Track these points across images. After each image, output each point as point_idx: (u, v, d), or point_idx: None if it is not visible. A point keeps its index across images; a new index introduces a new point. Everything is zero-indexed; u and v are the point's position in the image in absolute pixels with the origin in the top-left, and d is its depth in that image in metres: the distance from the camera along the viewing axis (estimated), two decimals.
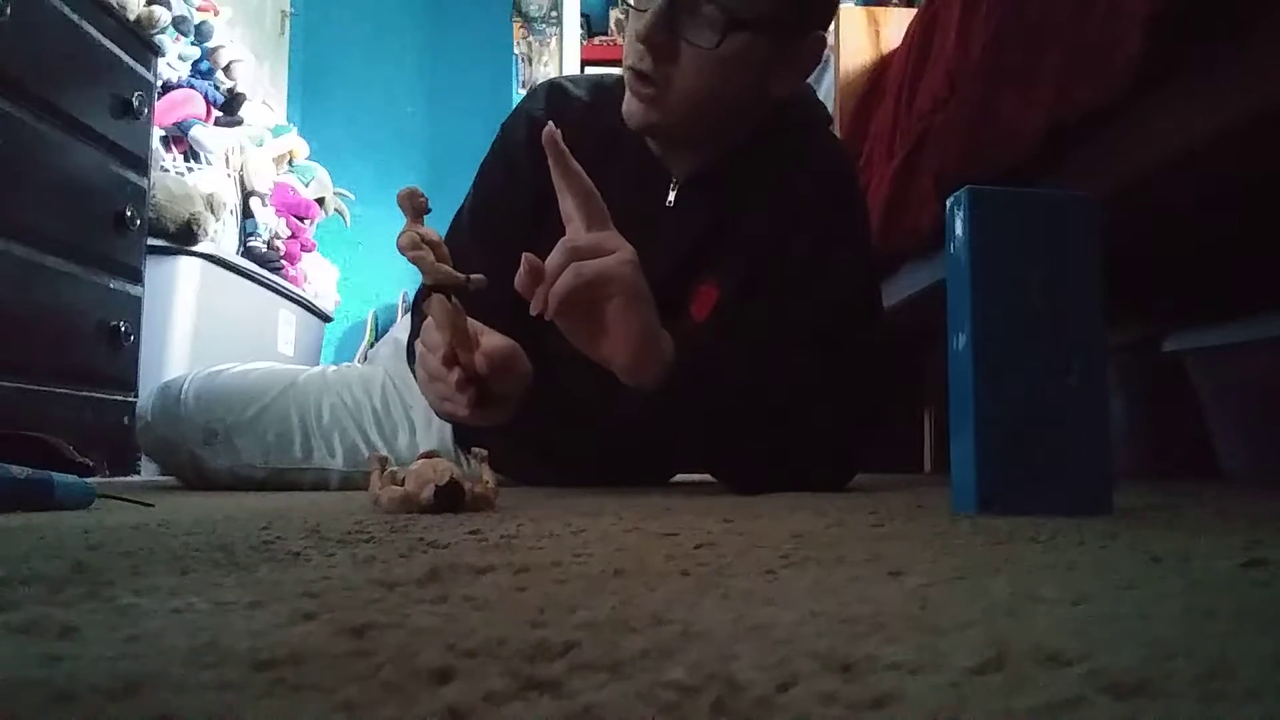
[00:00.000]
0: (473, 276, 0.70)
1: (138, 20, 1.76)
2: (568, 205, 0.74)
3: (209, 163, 2.16)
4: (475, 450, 0.81)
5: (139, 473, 1.61)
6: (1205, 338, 1.41)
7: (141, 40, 1.67)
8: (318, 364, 1.91)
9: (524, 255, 0.70)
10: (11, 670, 0.19)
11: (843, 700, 0.17)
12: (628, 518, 0.58)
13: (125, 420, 1.54)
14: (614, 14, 3.45)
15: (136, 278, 1.64)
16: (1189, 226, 1.15)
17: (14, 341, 1.31)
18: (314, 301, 2.70)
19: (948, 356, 0.62)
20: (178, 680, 0.18)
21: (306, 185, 2.61)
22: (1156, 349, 1.50)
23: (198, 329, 1.99)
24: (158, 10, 1.85)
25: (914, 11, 1.75)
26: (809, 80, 1.03)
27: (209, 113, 2.22)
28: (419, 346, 0.82)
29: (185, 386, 1.16)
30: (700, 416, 0.83)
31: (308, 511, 0.67)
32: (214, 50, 2.24)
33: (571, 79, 1.06)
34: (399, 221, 0.69)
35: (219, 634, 0.22)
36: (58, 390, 1.41)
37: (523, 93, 3.16)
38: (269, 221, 2.38)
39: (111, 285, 1.56)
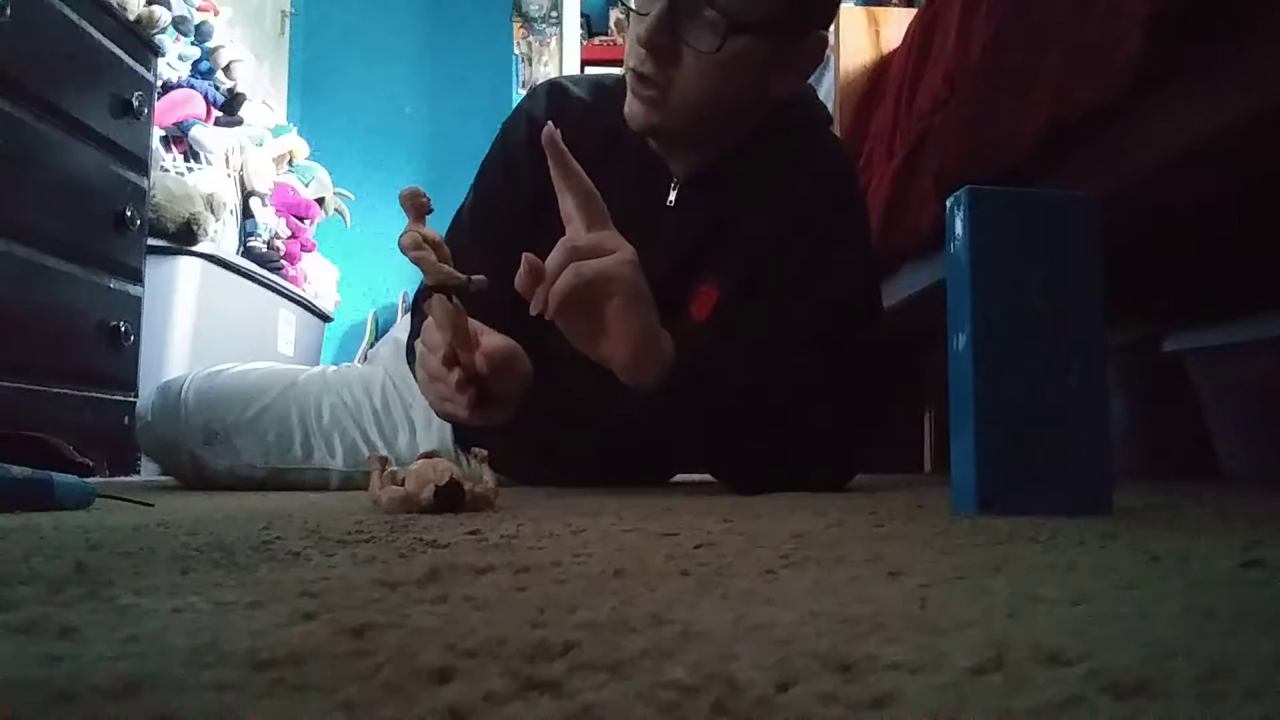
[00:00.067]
0: (474, 277, 0.70)
1: (138, 20, 1.76)
2: (568, 205, 0.74)
3: (209, 163, 2.16)
4: (475, 450, 0.81)
5: (139, 473, 1.61)
6: (1205, 338, 1.41)
7: (141, 40, 1.67)
8: (318, 364, 1.91)
9: (524, 255, 0.70)
10: (11, 670, 0.19)
11: (843, 700, 0.17)
12: (628, 518, 0.58)
13: (125, 420, 1.54)
14: (614, 14, 3.45)
15: (136, 278, 1.64)
16: (1189, 226, 1.15)
17: (14, 341, 1.31)
18: (314, 301, 2.70)
19: (948, 356, 0.62)
20: (178, 680, 0.18)
21: (306, 185, 2.61)
22: (1156, 349, 1.50)
23: (198, 329, 1.99)
24: (158, 10, 1.85)
25: (914, 11, 1.75)
26: (809, 80, 1.03)
27: (209, 113, 2.22)
28: (419, 346, 0.82)
29: (185, 386, 1.16)
30: (700, 416, 0.83)
31: (308, 511, 0.67)
32: (214, 50, 2.24)
33: (572, 79, 1.06)
34: (399, 222, 0.70)
35: (219, 634, 0.22)
36: (58, 390, 1.41)
37: (523, 93, 3.16)
38: (269, 221, 2.38)
39: (111, 285, 1.56)
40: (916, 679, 0.18)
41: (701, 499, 0.81)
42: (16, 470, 0.64)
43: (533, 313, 0.72)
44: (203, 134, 2.14)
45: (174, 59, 2.11)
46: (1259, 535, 0.45)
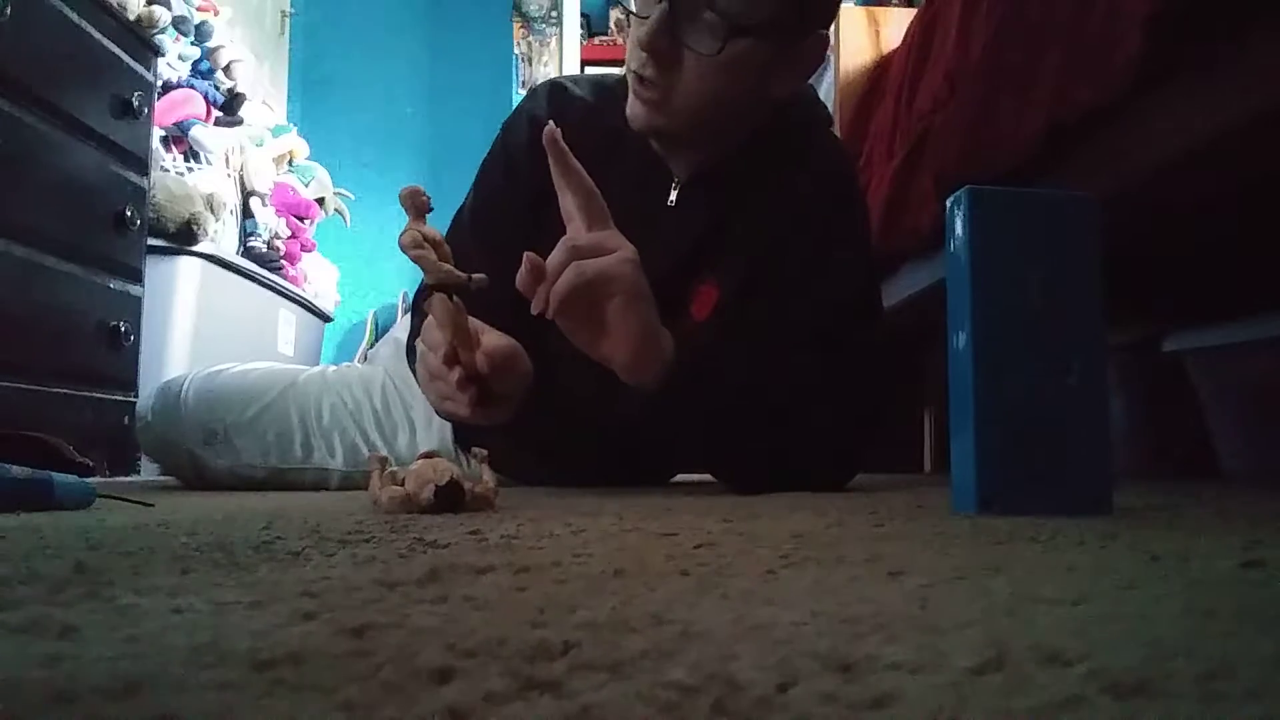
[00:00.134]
0: (474, 275, 0.70)
1: (138, 20, 1.76)
2: (568, 204, 0.74)
3: (209, 163, 2.16)
4: (475, 450, 0.81)
5: (139, 473, 1.61)
6: (1205, 338, 1.41)
7: (141, 40, 1.67)
8: (318, 364, 1.91)
9: (525, 254, 0.70)
10: (11, 670, 0.19)
11: (843, 700, 0.17)
12: (628, 518, 0.58)
13: (125, 420, 1.54)
14: (614, 14, 3.45)
15: (136, 278, 1.64)
16: (1189, 226, 1.15)
17: (14, 341, 1.31)
18: (314, 301, 2.70)
19: (948, 356, 0.62)
20: (178, 680, 0.18)
21: (306, 185, 2.61)
22: (1156, 349, 1.50)
23: (198, 329, 1.99)
24: (158, 10, 1.85)
25: (914, 11, 1.75)
26: (809, 80, 1.03)
27: (209, 113, 2.22)
28: (420, 345, 0.82)
29: (185, 386, 1.16)
30: (700, 416, 0.83)
31: (308, 511, 0.67)
32: (214, 50, 2.24)
33: (572, 79, 1.06)
34: (399, 221, 0.70)
35: (219, 634, 0.22)
36: (58, 390, 1.41)
37: (523, 93, 3.16)
38: (269, 221, 2.38)
39: (111, 285, 1.56)
40: (916, 679, 0.18)
41: (701, 499, 0.81)
42: (16, 470, 0.64)
43: (534, 312, 0.72)
44: (203, 134, 2.14)
45: (174, 59, 2.11)
46: (1259, 535, 0.45)
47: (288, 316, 2.54)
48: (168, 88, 2.08)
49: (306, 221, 2.59)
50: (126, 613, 0.25)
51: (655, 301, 0.76)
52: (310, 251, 2.68)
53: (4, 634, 0.22)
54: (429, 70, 3.41)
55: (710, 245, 0.96)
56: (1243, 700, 0.17)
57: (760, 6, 0.83)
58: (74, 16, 1.45)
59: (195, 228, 1.95)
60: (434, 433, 1.16)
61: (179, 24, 2.09)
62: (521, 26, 3.43)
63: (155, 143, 1.87)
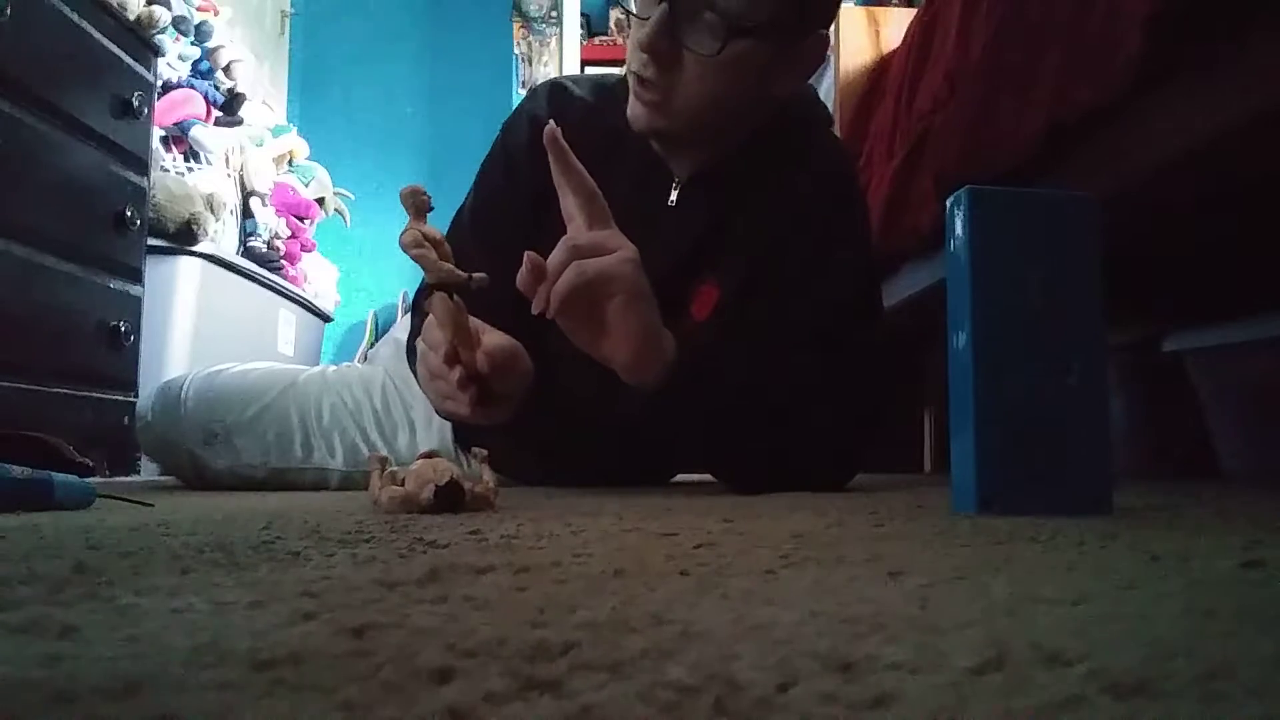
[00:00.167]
0: (475, 275, 0.70)
1: (138, 20, 1.76)
2: (569, 204, 0.74)
3: (209, 163, 2.16)
4: (475, 450, 0.81)
5: (139, 473, 1.61)
6: (1205, 338, 1.41)
7: (141, 40, 1.67)
8: (318, 364, 1.91)
9: (526, 254, 0.70)
10: (11, 670, 0.19)
11: (843, 700, 0.17)
12: (628, 518, 0.58)
13: (125, 420, 1.54)
14: (614, 14, 3.45)
15: (136, 278, 1.64)
16: (1189, 226, 1.15)
17: (14, 341, 1.31)
18: (314, 301, 2.70)
19: (948, 356, 0.62)
20: (178, 680, 0.18)
21: (306, 185, 2.61)
22: (1156, 349, 1.50)
23: (198, 329, 1.99)
24: (158, 10, 1.85)
25: (914, 11, 1.75)
26: (809, 80, 1.03)
27: (209, 113, 2.22)
28: (420, 345, 0.81)
29: (185, 386, 1.16)
30: (700, 416, 0.83)
31: (308, 511, 0.67)
32: (214, 50, 2.24)
33: (573, 79, 1.06)
34: (399, 222, 0.70)
35: (219, 634, 0.22)
36: (58, 390, 1.41)
37: (523, 93, 3.16)
38: (269, 221, 2.39)
39: (111, 285, 1.56)
40: (916, 679, 0.18)
41: (701, 499, 0.81)
42: (16, 470, 0.64)
43: (534, 311, 0.72)
44: (203, 134, 2.14)
45: (174, 59, 2.11)
46: (1259, 535, 0.45)
47: (288, 316, 2.54)
48: (168, 88, 2.08)
49: (306, 221, 2.59)
50: (126, 613, 0.25)
51: (656, 301, 0.76)
52: (310, 251, 2.68)
53: (4, 634, 0.22)
54: (429, 70, 3.41)
55: (710, 245, 0.96)
56: (1243, 700, 0.17)
57: (760, 7, 0.83)
58: (74, 16, 1.45)
59: (195, 228, 1.95)
60: (434, 433, 1.16)
61: (179, 24, 2.09)
62: (521, 26, 3.43)
63: (155, 143, 1.87)
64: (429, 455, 0.70)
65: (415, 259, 0.69)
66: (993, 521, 0.53)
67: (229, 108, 2.30)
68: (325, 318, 2.87)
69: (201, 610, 0.26)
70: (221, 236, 2.13)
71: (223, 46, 2.26)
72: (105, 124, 1.53)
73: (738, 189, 0.96)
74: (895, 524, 0.52)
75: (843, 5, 1.46)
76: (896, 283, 1.58)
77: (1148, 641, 0.21)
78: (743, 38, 0.83)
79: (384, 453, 0.89)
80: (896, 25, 1.83)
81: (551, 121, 0.72)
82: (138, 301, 1.63)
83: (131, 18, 1.72)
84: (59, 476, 0.66)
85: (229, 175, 2.23)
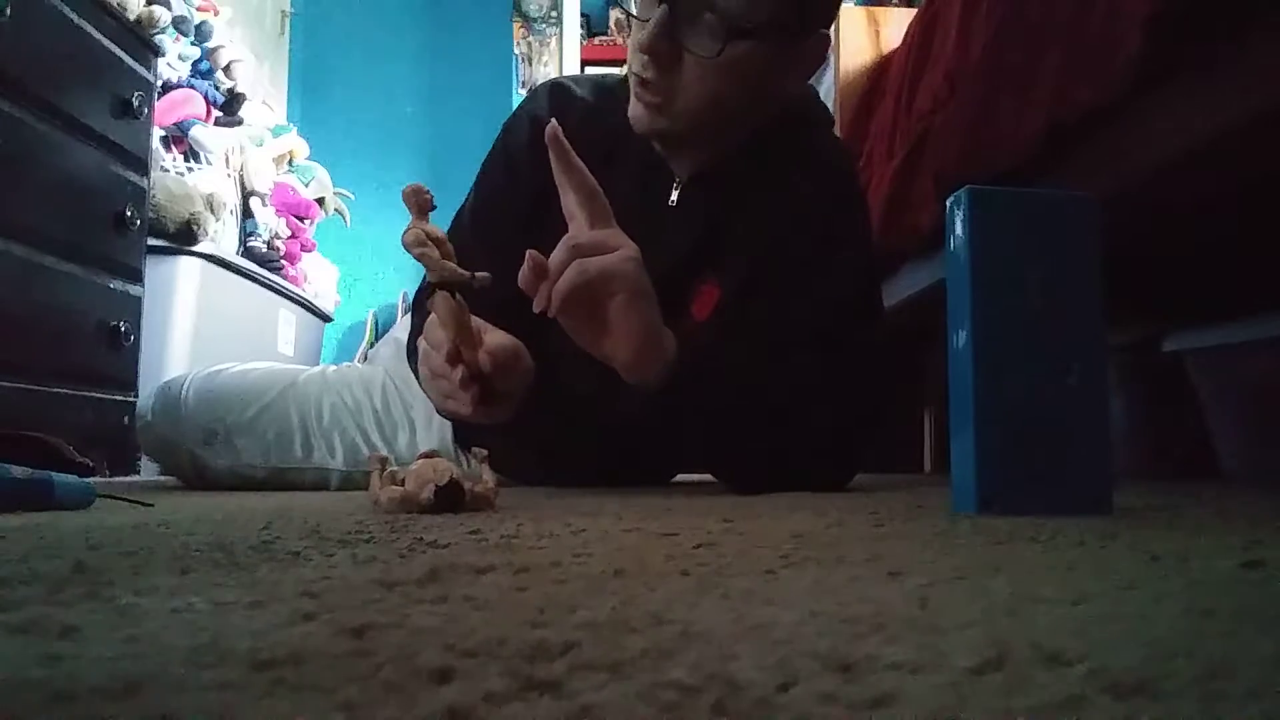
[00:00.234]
0: (477, 274, 0.70)
1: (138, 20, 1.76)
2: (570, 202, 0.74)
3: (209, 163, 2.16)
4: (475, 450, 0.81)
5: (139, 473, 1.61)
6: (1205, 338, 1.41)
7: (141, 40, 1.67)
8: (318, 364, 1.91)
9: (528, 252, 0.70)
10: (11, 670, 0.19)
11: (843, 700, 0.17)
12: (628, 518, 0.58)
13: (125, 420, 1.54)
14: (614, 14, 3.45)
15: (136, 278, 1.64)
16: (1189, 226, 1.15)
17: (14, 341, 1.31)
18: (314, 301, 2.70)
19: (948, 356, 0.62)
20: (178, 680, 0.18)
21: (306, 185, 2.61)
22: (1156, 349, 1.50)
23: (198, 329, 1.99)
24: (158, 10, 1.85)
25: (914, 11, 1.75)
26: (810, 80, 1.03)
27: (209, 113, 2.22)
28: (422, 344, 0.81)
29: (185, 386, 1.16)
30: (701, 415, 0.83)
31: (308, 511, 0.67)
32: (214, 50, 2.24)
33: (573, 79, 1.06)
34: (400, 221, 0.70)
35: (219, 634, 0.22)
36: (58, 390, 1.41)
37: (523, 93, 3.16)
38: (269, 221, 2.39)
39: (111, 285, 1.56)
40: (916, 679, 0.18)
41: (701, 499, 0.81)
42: (16, 470, 0.64)
43: (535, 310, 0.72)
44: (203, 134, 2.14)
45: (174, 59, 2.11)
46: (1259, 535, 0.45)
47: (288, 316, 2.54)
48: (168, 88, 2.08)
49: (306, 221, 2.59)
50: (126, 613, 0.25)
51: (657, 300, 0.76)
52: (310, 251, 2.68)
53: (4, 634, 0.22)
54: (429, 70, 3.41)
55: (711, 245, 0.96)
56: (1243, 700, 0.17)
57: (760, 8, 0.83)
58: (74, 16, 1.45)
59: (195, 228, 1.96)
60: (434, 433, 1.16)
61: (179, 24, 2.09)
62: (521, 26, 3.43)
63: (155, 143, 1.87)
64: (429, 455, 0.70)
65: (418, 258, 0.69)
66: (993, 521, 0.53)
67: (229, 108, 2.30)
68: (325, 318, 2.87)
69: (201, 610, 0.26)
70: (221, 236, 2.13)
71: (223, 46, 2.26)
72: (105, 124, 1.53)
73: (738, 189, 0.96)
74: (895, 524, 0.52)
75: (843, 5, 1.46)
76: (896, 283, 1.58)
77: (1148, 641, 0.21)
78: (743, 39, 0.83)
79: (384, 453, 0.89)
80: (896, 25, 1.83)
81: (553, 120, 0.72)
82: (138, 301, 1.63)
83: (131, 18, 1.72)
84: (59, 476, 0.66)
85: (229, 175, 2.23)
